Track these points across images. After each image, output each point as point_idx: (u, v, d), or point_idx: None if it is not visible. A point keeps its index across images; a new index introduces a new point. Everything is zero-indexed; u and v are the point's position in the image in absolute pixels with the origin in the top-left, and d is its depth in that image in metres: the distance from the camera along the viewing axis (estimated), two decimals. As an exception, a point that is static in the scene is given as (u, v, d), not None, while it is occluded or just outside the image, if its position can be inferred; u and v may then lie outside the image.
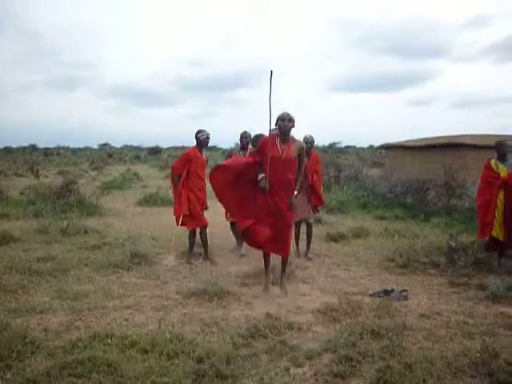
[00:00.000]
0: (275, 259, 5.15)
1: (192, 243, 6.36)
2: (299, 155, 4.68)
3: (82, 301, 4.56)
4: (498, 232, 5.71)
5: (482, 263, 5.82)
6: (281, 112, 4.67)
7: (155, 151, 46.47)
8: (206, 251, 6.38)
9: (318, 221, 8.64)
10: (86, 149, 62.39)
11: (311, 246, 6.79)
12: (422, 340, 3.72)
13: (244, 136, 6.66)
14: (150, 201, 11.88)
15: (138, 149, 58.02)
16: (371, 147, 46.80)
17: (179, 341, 3.52)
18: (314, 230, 7.14)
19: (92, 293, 4.81)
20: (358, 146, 55.45)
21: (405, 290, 4.95)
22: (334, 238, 7.70)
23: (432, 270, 5.85)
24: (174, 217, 6.38)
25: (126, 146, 67.12)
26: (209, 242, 6.45)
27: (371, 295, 4.87)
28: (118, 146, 67.84)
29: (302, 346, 3.57)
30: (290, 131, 4.67)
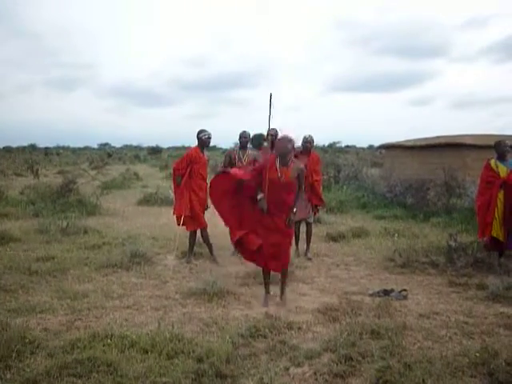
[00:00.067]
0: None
1: (192, 243, 6.36)
2: (298, 176, 4.64)
3: (81, 301, 4.56)
4: (497, 232, 5.71)
5: (482, 263, 5.83)
6: (279, 132, 4.58)
7: (155, 151, 46.52)
8: (210, 252, 6.38)
9: (318, 221, 8.63)
10: (86, 148, 62.44)
11: (311, 245, 6.79)
12: (421, 340, 3.72)
13: (243, 136, 6.66)
14: (149, 200, 11.87)
15: (138, 148, 58.07)
16: (371, 147, 46.83)
17: (179, 340, 3.52)
18: (314, 229, 7.15)
19: (92, 292, 4.81)
20: (357, 145, 55.49)
21: (404, 290, 4.95)
22: (334, 238, 7.70)
23: (432, 269, 5.85)
24: (174, 216, 6.37)
25: (126, 146, 67.18)
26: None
27: (371, 295, 4.87)
28: (118, 145, 68.01)
29: (302, 346, 3.57)
30: (290, 153, 4.55)
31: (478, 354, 3.31)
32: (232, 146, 8.10)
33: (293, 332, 3.87)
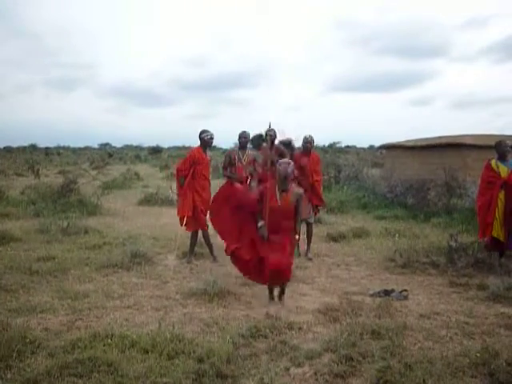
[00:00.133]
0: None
1: (194, 244, 6.37)
2: (297, 201, 4.65)
3: (82, 300, 4.56)
4: (498, 232, 5.70)
5: (483, 263, 5.82)
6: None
7: (156, 151, 46.51)
8: (211, 252, 6.39)
9: (319, 221, 8.63)
10: (87, 148, 62.38)
11: (311, 245, 6.79)
12: (422, 340, 3.72)
13: (243, 136, 6.65)
14: (150, 200, 11.88)
15: (139, 148, 58.06)
16: (371, 147, 46.77)
17: (179, 341, 3.52)
18: (315, 229, 7.15)
19: (92, 292, 4.81)
20: (358, 146, 55.42)
21: (405, 290, 4.95)
22: (335, 238, 7.70)
23: (432, 270, 5.85)
24: (178, 217, 6.38)
25: (127, 146, 67.17)
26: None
27: (371, 295, 4.87)
28: (119, 145, 68.00)
29: (303, 346, 3.57)
30: (290, 176, 4.54)
31: (478, 355, 3.31)
32: (232, 146, 8.11)
33: (293, 332, 3.87)
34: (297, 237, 4.69)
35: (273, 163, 5.11)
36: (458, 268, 5.70)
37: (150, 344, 3.45)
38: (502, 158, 5.84)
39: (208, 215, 5.68)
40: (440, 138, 13.59)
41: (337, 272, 5.91)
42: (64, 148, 57.95)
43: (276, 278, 4.53)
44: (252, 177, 6.42)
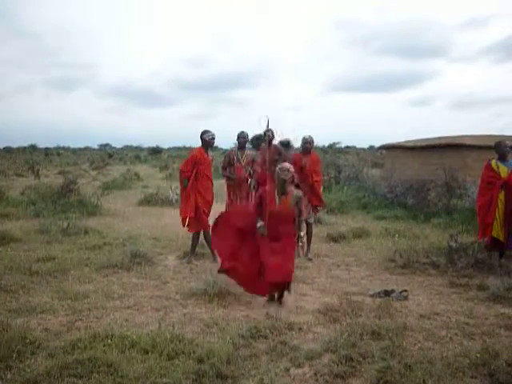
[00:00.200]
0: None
1: (195, 244, 6.37)
2: (297, 203, 4.64)
3: (82, 301, 4.56)
4: (498, 232, 5.70)
5: (483, 264, 5.82)
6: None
7: (156, 151, 46.51)
8: (212, 252, 6.38)
9: (319, 221, 8.64)
10: (87, 149, 62.39)
11: (311, 246, 6.79)
12: (422, 340, 3.72)
13: (241, 136, 6.66)
14: (150, 201, 11.89)
15: (139, 149, 58.07)
16: (371, 147, 46.75)
17: (179, 341, 3.52)
18: (315, 230, 7.15)
19: (92, 293, 4.81)
20: (358, 146, 55.40)
21: (405, 291, 4.95)
22: (335, 239, 7.70)
23: (432, 270, 5.85)
24: (179, 217, 6.38)
25: (127, 146, 67.19)
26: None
27: (371, 295, 4.87)
28: (119, 146, 68.03)
29: (303, 347, 3.57)
30: (289, 181, 4.56)
31: (478, 355, 3.31)
32: (232, 146, 8.11)
33: (293, 333, 3.87)
34: (301, 233, 4.68)
35: (272, 163, 5.13)
36: (458, 268, 5.70)
37: (150, 344, 3.45)
38: (502, 158, 5.84)
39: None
40: (440, 138, 13.60)
41: (337, 272, 5.91)
42: (64, 148, 57.95)
43: (276, 285, 4.55)
44: (251, 177, 6.44)
